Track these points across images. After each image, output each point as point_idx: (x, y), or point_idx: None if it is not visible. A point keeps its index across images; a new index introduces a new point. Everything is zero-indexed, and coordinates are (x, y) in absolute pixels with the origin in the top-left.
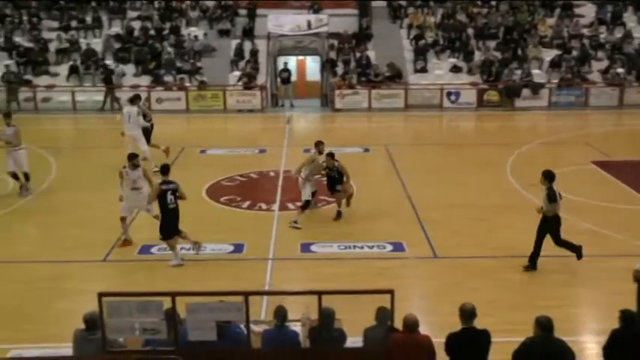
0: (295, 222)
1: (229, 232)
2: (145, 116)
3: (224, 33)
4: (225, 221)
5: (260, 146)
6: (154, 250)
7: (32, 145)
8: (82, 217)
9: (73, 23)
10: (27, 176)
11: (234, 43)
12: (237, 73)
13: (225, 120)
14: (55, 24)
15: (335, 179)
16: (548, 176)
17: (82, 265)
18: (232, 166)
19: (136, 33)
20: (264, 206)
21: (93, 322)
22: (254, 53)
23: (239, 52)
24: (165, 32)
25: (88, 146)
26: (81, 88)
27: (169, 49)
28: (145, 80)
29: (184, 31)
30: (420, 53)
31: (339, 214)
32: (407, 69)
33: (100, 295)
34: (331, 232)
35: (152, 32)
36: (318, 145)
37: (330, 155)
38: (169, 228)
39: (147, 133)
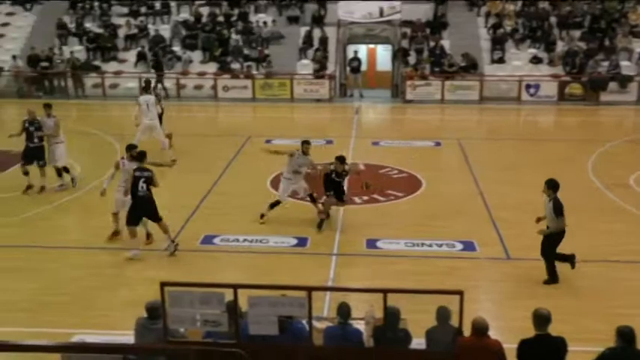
0: (262, 215)
1: (293, 225)
2: (159, 101)
3: (293, 20)
4: (289, 214)
5: (327, 137)
6: (216, 240)
7: (99, 132)
8: None
9: (143, 9)
10: (66, 169)
11: (303, 30)
12: (306, 62)
13: (292, 109)
14: (125, 10)
15: (339, 186)
16: (553, 185)
17: (144, 253)
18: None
19: (204, 19)
20: None
21: (155, 311)
22: (323, 41)
23: (308, 40)
24: (234, 19)
25: None
26: (148, 75)
27: (236, 37)
28: (212, 67)
29: (253, 18)
30: (498, 43)
31: (322, 223)
32: (483, 59)
33: (162, 284)
34: (398, 229)
35: (220, 18)
36: (304, 144)
37: (341, 159)
38: (135, 215)
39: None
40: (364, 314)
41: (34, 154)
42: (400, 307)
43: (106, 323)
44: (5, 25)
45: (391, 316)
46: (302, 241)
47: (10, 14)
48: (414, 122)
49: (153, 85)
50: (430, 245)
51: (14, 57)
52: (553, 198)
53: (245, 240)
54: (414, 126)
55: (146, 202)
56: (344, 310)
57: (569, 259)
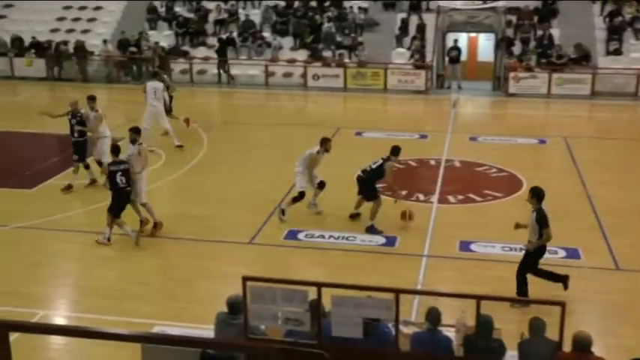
0: (283, 213)
1: (382, 224)
2: (167, 88)
3: (389, 6)
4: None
5: (421, 131)
6: (300, 235)
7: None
8: (229, 196)
9: None
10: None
11: (400, 17)
12: (401, 50)
13: (385, 101)
14: None
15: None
16: (537, 194)
17: (227, 246)
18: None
19: (296, 4)
20: (421, 197)
21: (236, 306)
22: (421, 29)
23: (404, 27)
24: (327, 4)
25: (238, 122)
26: (236, 61)
27: (329, 23)
28: (302, 55)
29: (347, 4)
30: (615, 32)
31: (372, 229)
32: (597, 50)
33: (245, 279)
34: (495, 231)
35: (313, 4)
36: (325, 142)
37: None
38: (119, 207)
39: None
40: (455, 321)
41: (74, 149)
42: (494, 315)
43: (186, 316)
44: (98, 9)
45: (484, 324)
46: (391, 241)
47: None
48: (516, 117)
49: (220, 70)
50: None
51: (105, 41)
52: (537, 208)
53: (331, 237)
54: (516, 121)
55: (127, 194)
56: (433, 316)
57: (563, 279)
